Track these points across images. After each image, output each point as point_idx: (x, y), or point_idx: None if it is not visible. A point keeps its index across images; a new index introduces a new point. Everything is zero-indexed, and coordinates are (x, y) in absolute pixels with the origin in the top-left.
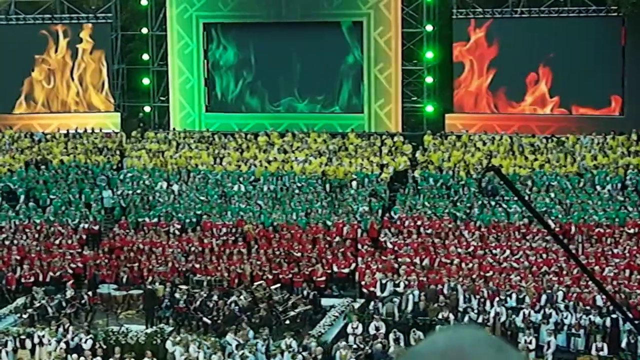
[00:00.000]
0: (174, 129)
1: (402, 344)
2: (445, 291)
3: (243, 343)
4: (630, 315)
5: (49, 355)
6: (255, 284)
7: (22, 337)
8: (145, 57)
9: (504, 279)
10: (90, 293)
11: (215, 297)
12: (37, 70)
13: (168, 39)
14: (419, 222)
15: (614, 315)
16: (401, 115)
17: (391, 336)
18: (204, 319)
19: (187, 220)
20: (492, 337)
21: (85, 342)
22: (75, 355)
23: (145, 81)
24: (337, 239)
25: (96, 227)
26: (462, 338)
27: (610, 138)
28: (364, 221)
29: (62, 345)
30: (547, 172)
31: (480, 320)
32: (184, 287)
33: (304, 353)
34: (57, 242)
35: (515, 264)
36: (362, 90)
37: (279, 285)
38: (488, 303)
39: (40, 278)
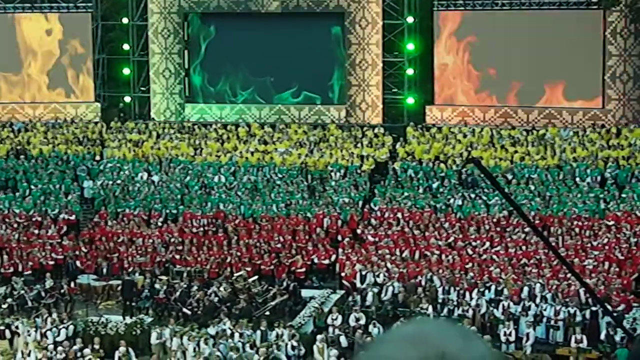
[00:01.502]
0: (153, 119)
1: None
2: (423, 283)
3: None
4: (610, 308)
5: (25, 345)
6: (236, 274)
7: (1, 327)
8: (126, 47)
9: (484, 271)
10: (69, 283)
11: (195, 288)
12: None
13: (148, 28)
14: (399, 214)
15: (593, 308)
16: (382, 106)
17: (371, 327)
18: (184, 309)
19: (167, 211)
20: (458, 325)
21: (59, 333)
22: (51, 346)
23: (126, 71)
24: (318, 230)
25: (75, 218)
26: (428, 326)
27: (590, 131)
28: (344, 213)
29: (40, 335)
30: (527, 164)
31: (459, 311)
32: (163, 277)
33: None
34: (36, 232)
35: (494, 256)
36: (343, 82)
37: (257, 277)
38: (467, 295)
39: (20, 268)
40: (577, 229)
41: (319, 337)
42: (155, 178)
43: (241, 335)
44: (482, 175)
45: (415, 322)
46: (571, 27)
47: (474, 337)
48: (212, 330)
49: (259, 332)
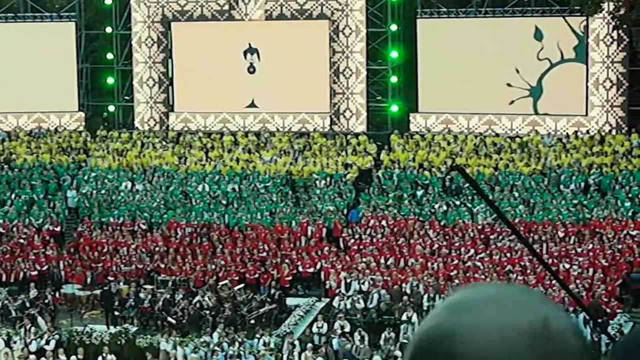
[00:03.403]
0: (137, 128)
1: (366, 343)
2: (408, 291)
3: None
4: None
5: (6, 356)
6: (220, 283)
7: None
8: (110, 56)
9: (469, 278)
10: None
11: (179, 297)
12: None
13: (132, 38)
14: (383, 222)
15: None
16: (366, 114)
17: (356, 335)
18: (169, 318)
19: (152, 220)
20: (536, 290)
21: (48, 342)
22: (33, 357)
23: (110, 80)
24: (303, 238)
25: (59, 228)
26: (512, 290)
27: (574, 137)
28: (328, 220)
29: (24, 345)
30: (512, 171)
31: None
32: (148, 287)
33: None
34: (20, 242)
35: (479, 263)
36: (326, 90)
37: (242, 285)
38: None
39: (4, 278)
40: (561, 235)
41: (308, 345)
42: (139, 187)
43: (241, 344)
44: (464, 183)
45: (492, 286)
46: (555, 34)
47: (555, 303)
48: (212, 339)
49: (255, 340)
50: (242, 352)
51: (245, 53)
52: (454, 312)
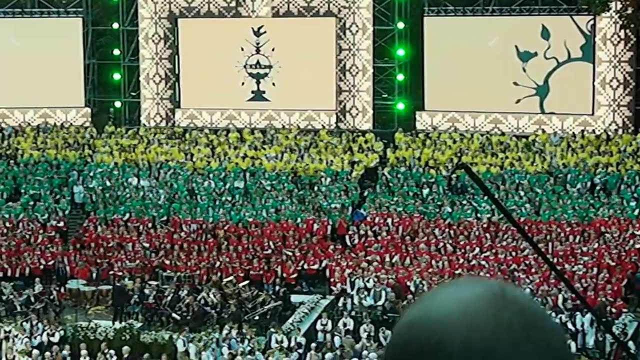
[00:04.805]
0: (144, 124)
1: (372, 340)
2: (412, 288)
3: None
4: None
5: (11, 350)
6: (225, 280)
7: None
8: (116, 52)
9: (474, 276)
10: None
11: (184, 293)
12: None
13: (139, 34)
14: (389, 220)
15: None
16: (372, 112)
17: (362, 333)
18: (173, 314)
19: (157, 217)
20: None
21: (53, 336)
22: (36, 352)
23: (116, 76)
24: (307, 235)
25: (65, 223)
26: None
27: (580, 137)
28: (333, 218)
29: (29, 340)
30: (517, 170)
31: None
32: (153, 283)
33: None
34: (26, 237)
35: (484, 262)
36: (333, 87)
37: (247, 282)
38: None
39: (9, 273)
40: (567, 235)
41: (312, 345)
42: (145, 183)
43: (250, 340)
44: (470, 181)
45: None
46: (562, 33)
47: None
48: (220, 336)
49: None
50: (252, 347)
51: (251, 50)
52: (419, 300)
